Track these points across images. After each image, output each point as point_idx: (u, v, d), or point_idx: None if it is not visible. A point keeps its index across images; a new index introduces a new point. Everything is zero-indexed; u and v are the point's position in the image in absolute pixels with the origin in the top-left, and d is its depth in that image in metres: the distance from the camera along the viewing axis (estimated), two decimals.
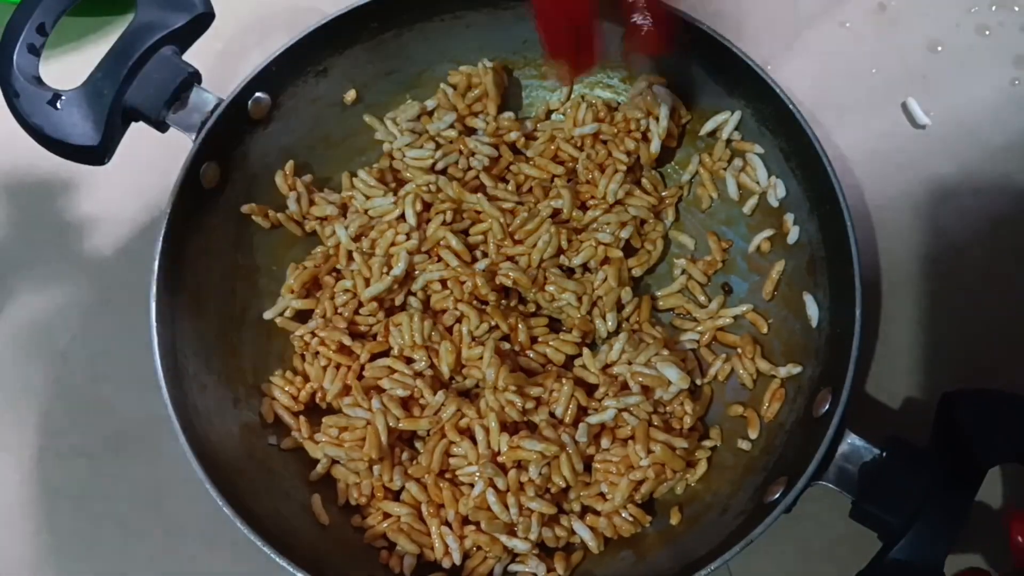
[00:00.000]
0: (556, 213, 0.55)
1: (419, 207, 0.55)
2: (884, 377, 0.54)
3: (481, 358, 0.51)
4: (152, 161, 0.52)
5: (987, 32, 0.60)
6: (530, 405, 0.51)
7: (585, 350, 0.53)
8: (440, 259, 0.54)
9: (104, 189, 0.61)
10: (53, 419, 0.56)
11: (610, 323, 0.54)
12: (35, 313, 0.58)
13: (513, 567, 0.50)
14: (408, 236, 0.55)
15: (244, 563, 0.52)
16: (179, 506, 0.54)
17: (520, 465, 0.50)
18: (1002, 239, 0.56)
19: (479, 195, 0.55)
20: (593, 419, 0.51)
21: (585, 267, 0.55)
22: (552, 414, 0.51)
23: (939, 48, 0.60)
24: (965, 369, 0.54)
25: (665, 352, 0.52)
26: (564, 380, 0.51)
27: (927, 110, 0.59)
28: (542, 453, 0.49)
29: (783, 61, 0.59)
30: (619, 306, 0.55)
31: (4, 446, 0.56)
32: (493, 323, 0.53)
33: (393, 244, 0.54)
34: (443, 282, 0.54)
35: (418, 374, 0.52)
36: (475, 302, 0.54)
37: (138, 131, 0.51)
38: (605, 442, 0.51)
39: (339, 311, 0.54)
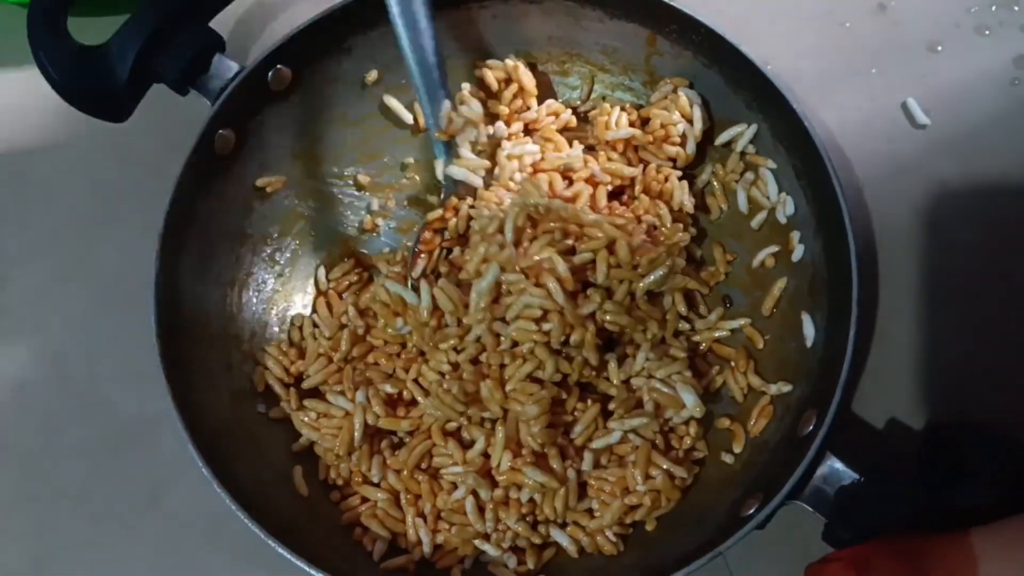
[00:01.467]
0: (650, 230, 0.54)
1: (521, 222, 0.49)
2: (872, 397, 0.53)
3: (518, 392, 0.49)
4: (153, 167, 0.51)
5: (987, 32, 0.59)
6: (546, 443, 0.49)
7: (611, 363, 0.51)
8: (538, 283, 0.48)
9: (103, 189, 0.61)
10: (53, 419, 0.56)
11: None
12: (35, 312, 0.58)
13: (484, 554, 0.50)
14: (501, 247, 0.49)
15: (244, 562, 0.52)
16: (179, 505, 0.54)
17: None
18: (1002, 239, 0.56)
19: (597, 215, 0.51)
20: (598, 443, 0.50)
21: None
22: (566, 432, 0.51)
23: (939, 48, 0.60)
24: (961, 382, 0.53)
25: (687, 373, 0.51)
26: (589, 402, 0.51)
27: (927, 110, 0.58)
28: (543, 485, 0.48)
29: (784, 61, 0.58)
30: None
31: (4, 446, 0.56)
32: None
33: (485, 260, 0.50)
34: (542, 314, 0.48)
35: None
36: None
37: (139, 130, 0.51)
38: (603, 459, 0.51)
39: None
